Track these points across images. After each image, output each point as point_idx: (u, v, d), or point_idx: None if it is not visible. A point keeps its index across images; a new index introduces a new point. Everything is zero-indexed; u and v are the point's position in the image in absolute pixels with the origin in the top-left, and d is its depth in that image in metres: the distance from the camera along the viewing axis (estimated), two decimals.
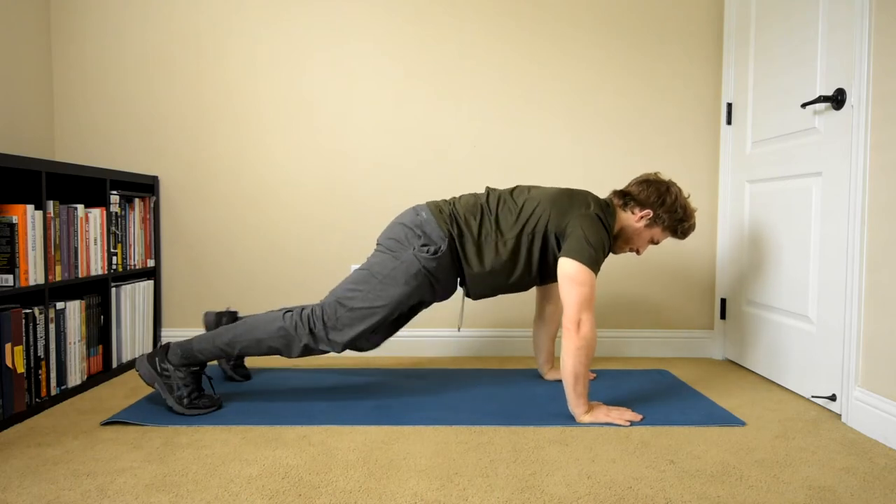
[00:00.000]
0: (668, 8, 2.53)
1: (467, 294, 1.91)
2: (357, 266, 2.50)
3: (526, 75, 2.54)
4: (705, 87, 2.55)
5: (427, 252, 1.78)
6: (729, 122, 2.48)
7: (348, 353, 2.56)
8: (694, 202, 2.56)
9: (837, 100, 1.79)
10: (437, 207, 1.85)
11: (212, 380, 2.00)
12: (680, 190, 1.89)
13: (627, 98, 2.55)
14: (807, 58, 1.97)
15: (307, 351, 1.81)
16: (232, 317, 2.09)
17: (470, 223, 1.82)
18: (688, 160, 2.56)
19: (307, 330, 1.79)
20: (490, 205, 1.85)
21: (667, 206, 1.86)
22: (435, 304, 2.56)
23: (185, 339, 1.96)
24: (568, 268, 1.71)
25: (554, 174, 2.56)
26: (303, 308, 1.83)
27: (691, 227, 1.91)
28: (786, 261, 2.09)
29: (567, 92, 2.54)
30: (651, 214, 1.87)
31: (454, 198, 1.91)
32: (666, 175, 2.51)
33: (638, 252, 1.95)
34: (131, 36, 2.51)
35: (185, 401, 1.77)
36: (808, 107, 1.95)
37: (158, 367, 1.79)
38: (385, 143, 2.54)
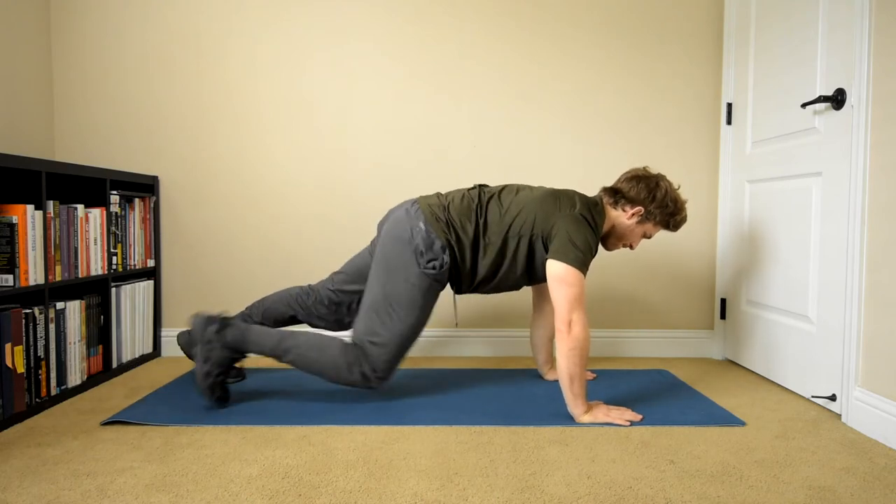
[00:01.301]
0: (668, 8, 2.53)
1: (457, 291, 1.92)
2: None
3: (526, 75, 2.54)
4: (705, 87, 2.55)
5: (433, 268, 1.80)
6: (729, 122, 2.48)
7: None
8: (694, 202, 2.56)
9: (837, 100, 1.79)
10: (432, 215, 1.82)
11: (244, 379, 2.01)
12: (670, 183, 1.88)
13: (627, 98, 2.55)
14: (807, 58, 1.97)
15: (354, 385, 1.83)
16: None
17: (465, 226, 1.82)
18: (688, 160, 2.56)
19: (360, 375, 1.79)
20: (481, 205, 1.85)
21: (658, 202, 1.85)
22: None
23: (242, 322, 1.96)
24: (555, 269, 1.72)
25: (554, 174, 2.56)
26: (356, 353, 1.80)
27: (683, 220, 1.90)
28: (786, 261, 2.09)
29: (567, 92, 2.54)
30: (643, 211, 1.86)
31: (447, 199, 1.87)
32: (664, 174, 2.51)
33: (631, 247, 1.96)
34: (131, 36, 2.52)
35: (211, 379, 1.77)
36: (808, 107, 1.95)
37: (208, 335, 1.79)
38: (385, 143, 2.55)
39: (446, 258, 1.79)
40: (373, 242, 1.99)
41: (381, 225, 1.94)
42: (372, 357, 1.78)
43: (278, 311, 2.06)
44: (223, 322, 1.82)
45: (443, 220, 1.82)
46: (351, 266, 2.03)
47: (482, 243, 1.82)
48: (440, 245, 1.79)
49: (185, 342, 2.05)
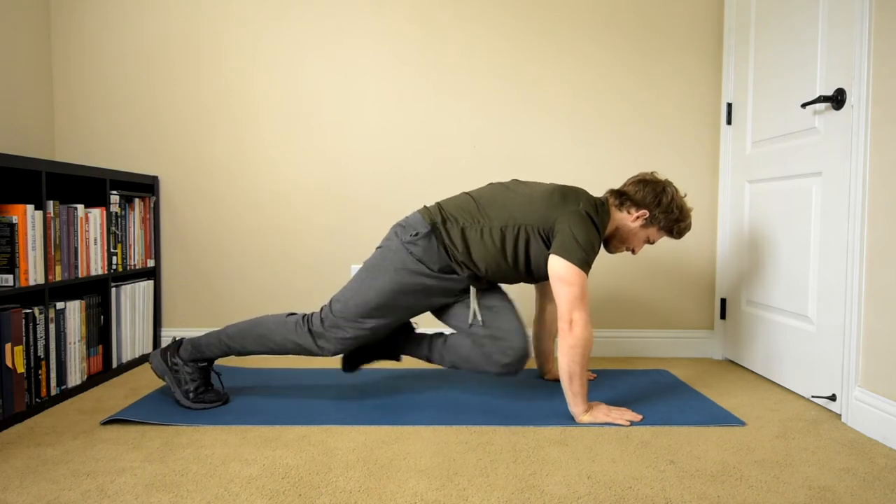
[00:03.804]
0: (668, 8, 2.53)
1: (472, 277, 1.86)
2: (357, 266, 2.51)
3: (526, 75, 2.54)
4: (705, 87, 2.55)
5: (409, 236, 1.81)
6: (729, 122, 2.48)
7: None
8: (694, 202, 2.56)
9: (837, 100, 1.79)
10: (425, 208, 1.88)
11: (220, 375, 2.02)
12: (676, 190, 1.88)
13: (627, 98, 2.55)
14: (807, 58, 1.97)
15: (306, 351, 1.85)
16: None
17: (460, 212, 1.83)
18: (688, 160, 2.56)
19: (307, 329, 1.83)
20: (482, 195, 1.86)
21: (663, 207, 1.85)
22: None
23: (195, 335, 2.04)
24: (557, 267, 1.71)
25: (554, 174, 2.56)
26: (306, 313, 1.89)
27: (687, 227, 1.90)
28: (786, 261, 2.09)
29: (567, 92, 2.54)
30: (647, 215, 1.86)
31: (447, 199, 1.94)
32: (664, 174, 2.51)
33: (634, 252, 1.94)
34: (131, 36, 2.52)
35: (192, 395, 1.83)
36: (808, 107, 1.95)
37: (169, 361, 1.87)
38: (385, 144, 2.55)
39: (423, 231, 1.80)
40: None
41: None
42: (331, 316, 1.82)
43: None
44: (176, 344, 1.90)
45: (433, 208, 1.86)
46: None
47: (479, 227, 1.81)
48: (422, 223, 1.82)
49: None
